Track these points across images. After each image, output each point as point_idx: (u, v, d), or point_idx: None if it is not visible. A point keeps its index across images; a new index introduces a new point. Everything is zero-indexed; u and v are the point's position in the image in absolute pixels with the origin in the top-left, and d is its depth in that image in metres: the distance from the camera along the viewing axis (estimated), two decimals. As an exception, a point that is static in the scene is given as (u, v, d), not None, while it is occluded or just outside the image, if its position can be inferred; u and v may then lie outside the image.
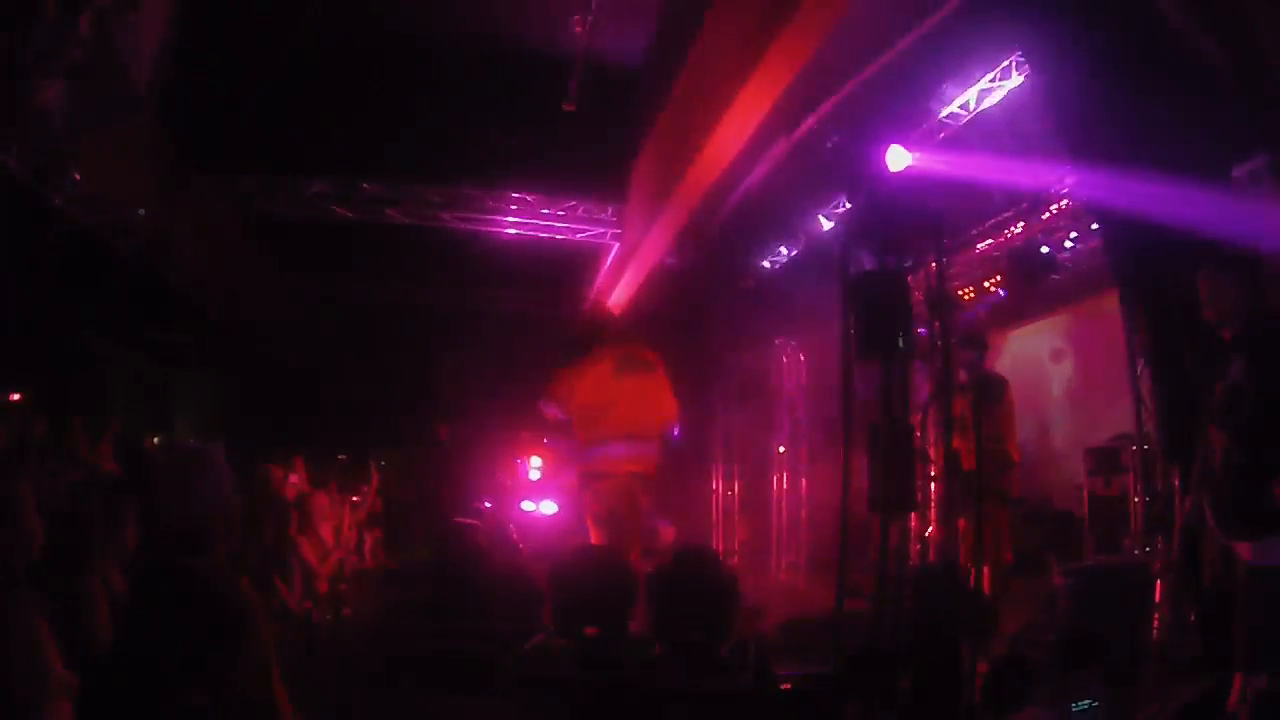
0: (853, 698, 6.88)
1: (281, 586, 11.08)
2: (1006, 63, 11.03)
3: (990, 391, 8.99)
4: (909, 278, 7.85)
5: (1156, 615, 10.15)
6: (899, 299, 7.19)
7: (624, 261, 15.62)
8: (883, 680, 6.94)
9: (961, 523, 8.46)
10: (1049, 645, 7.93)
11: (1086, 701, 7.28)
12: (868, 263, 7.37)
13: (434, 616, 10.66)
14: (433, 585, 12.08)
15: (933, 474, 7.49)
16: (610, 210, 15.75)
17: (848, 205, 7.61)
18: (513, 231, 16.20)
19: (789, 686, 6.98)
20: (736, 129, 10.22)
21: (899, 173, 7.26)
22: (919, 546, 8.87)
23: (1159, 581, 10.37)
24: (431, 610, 10.93)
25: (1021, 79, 10.60)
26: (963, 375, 9.10)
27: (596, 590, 8.08)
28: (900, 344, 7.10)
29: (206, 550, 5.31)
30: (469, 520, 13.37)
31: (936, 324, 7.50)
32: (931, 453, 8.19)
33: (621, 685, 7.43)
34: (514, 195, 15.84)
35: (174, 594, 3.33)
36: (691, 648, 7.56)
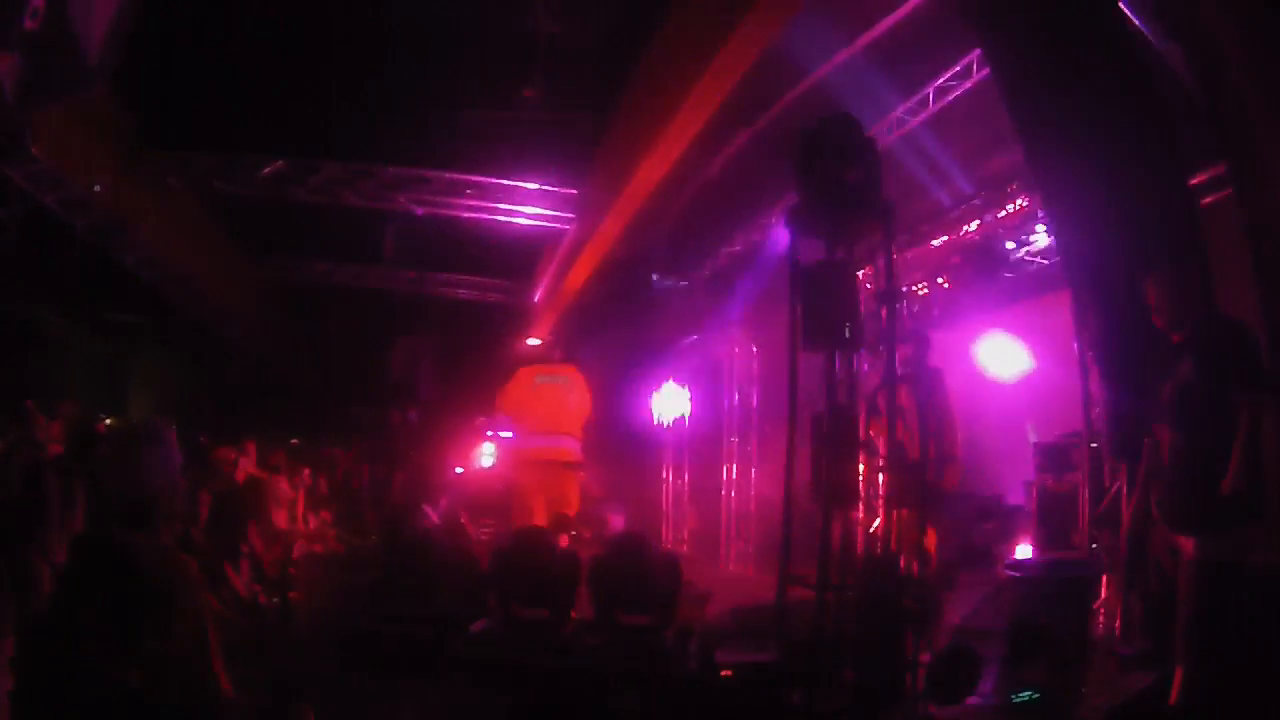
0: (796, 686, 6.90)
1: (229, 569, 10.99)
2: (968, 60, 11.13)
3: (927, 386, 9.01)
4: (860, 269, 7.90)
5: (1103, 609, 10.26)
6: (845, 290, 7.18)
7: (577, 248, 15.57)
8: (826, 669, 6.95)
9: (905, 514, 8.48)
10: (995, 637, 8.00)
11: (1028, 692, 7.36)
12: (816, 253, 7.34)
13: (381, 599, 10.61)
14: (381, 568, 12.02)
15: (880, 465, 7.47)
16: (567, 197, 15.67)
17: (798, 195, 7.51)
18: (469, 216, 16.07)
19: (730, 674, 6.99)
20: (692, 118, 10.21)
21: (851, 163, 7.21)
22: (863, 537, 8.85)
23: (1106, 576, 10.51)
24: (378, 593, 10.87)
25: (981, 76, 10.67)
26: (903, 369, 9.11)
27: (538, 574, 8.12)
28: (846, 335, 7.08)
29: (150, 526, 5.27)
30: (413, 505, 13.30)
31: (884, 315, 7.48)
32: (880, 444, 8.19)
33: (564, 670, 7.45)
34: (471, 179, 15.73)
35: (103, 569, 3.30)
36: (634, 633, 7.59)
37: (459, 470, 16.97)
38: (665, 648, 7.55)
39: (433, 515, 13.20)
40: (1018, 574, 9.14)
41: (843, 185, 7.13)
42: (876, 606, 7.08)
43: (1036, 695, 7.28)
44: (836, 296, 7.06)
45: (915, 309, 14.49)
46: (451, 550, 11.33)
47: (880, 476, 9.01)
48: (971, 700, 7.49)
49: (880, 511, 7.49)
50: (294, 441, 18.63)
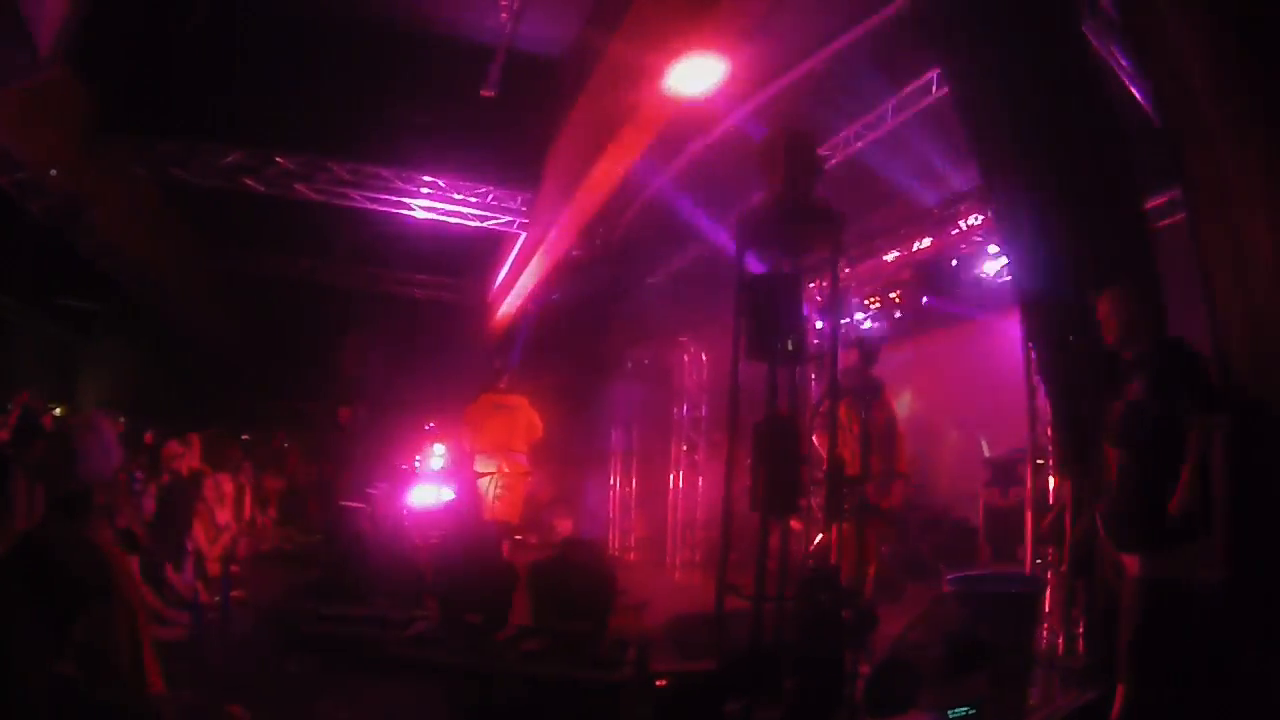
0: (733, 695, 6.88)
1: (170, 566, 10.87)
2: (928, 77, 11.15)
3: (868, 399, 9.02)
4: (810, 282, 7.89)
5: (1047, 625, 10.30)
6: (790, 302, 7.17)
7: (530, 251, 15.52)
8: (763, 679, 6.93)
9: (846, 528, 8.47)
10: (934, 650, 7.99)
11: (964, 708, 7.36)
12: (764, 264, 7.35)
13: (320, 599, 10.54)
14: (320, 568, 11.96)
15: (818, 478, 7.46)
16: (520, 199, 15.59)
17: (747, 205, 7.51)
18: (423, 215, 15.98)
19: (665, 683, 6.98)
20: (646, 126, 10.18)
21: (801, 176, 7.20)
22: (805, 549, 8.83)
23: (1051, 591, 10.55)
24: (318, 593, 10.80)
25: (940, 94, 10.68)
26: (845, 381, 9.10)
27: (476, 579, 8.13)
28: (789, 347, 7.07)
29: (86, 520, 5.20)
30: (356, 504, 13.22)
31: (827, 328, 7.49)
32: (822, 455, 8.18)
33: (499, 674, 7.45)
34: (425, 178, 15.63)
35: (32, 563, 3.26)
36: (571, 639, 7.60)
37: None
38: (601, 655, 7.59)
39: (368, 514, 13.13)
40: (959, 588, 9.15)
41: (792, 198, 7.14)
42: (815, 618, 7.07)
43: (973, 710, 7.28)
44: (781, 308, 7.06)
45: (865, 322, 14.50)
46: (390, 551, 11.30)
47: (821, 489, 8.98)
48: (912, 713, 7.50)
49: (821, 524, 7.45)
50: (245, 437, 18.46)
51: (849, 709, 7.23)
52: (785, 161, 7.22)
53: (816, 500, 8.00)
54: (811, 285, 12.57)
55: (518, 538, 13.91)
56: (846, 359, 8.48)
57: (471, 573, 7.98)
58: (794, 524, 7.56)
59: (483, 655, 7.50)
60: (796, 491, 7.10)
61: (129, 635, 3.56)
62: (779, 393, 7.12)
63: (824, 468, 7.37)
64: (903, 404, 13.37)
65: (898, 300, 13.99)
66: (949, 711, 7.21)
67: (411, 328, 21.48)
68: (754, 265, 7.41)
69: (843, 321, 13.59)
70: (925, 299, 13.45)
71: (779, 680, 6.93)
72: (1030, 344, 10.21)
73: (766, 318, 7.07)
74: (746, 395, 7.49)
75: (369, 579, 10.26)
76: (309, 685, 7.73)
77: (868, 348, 9.77)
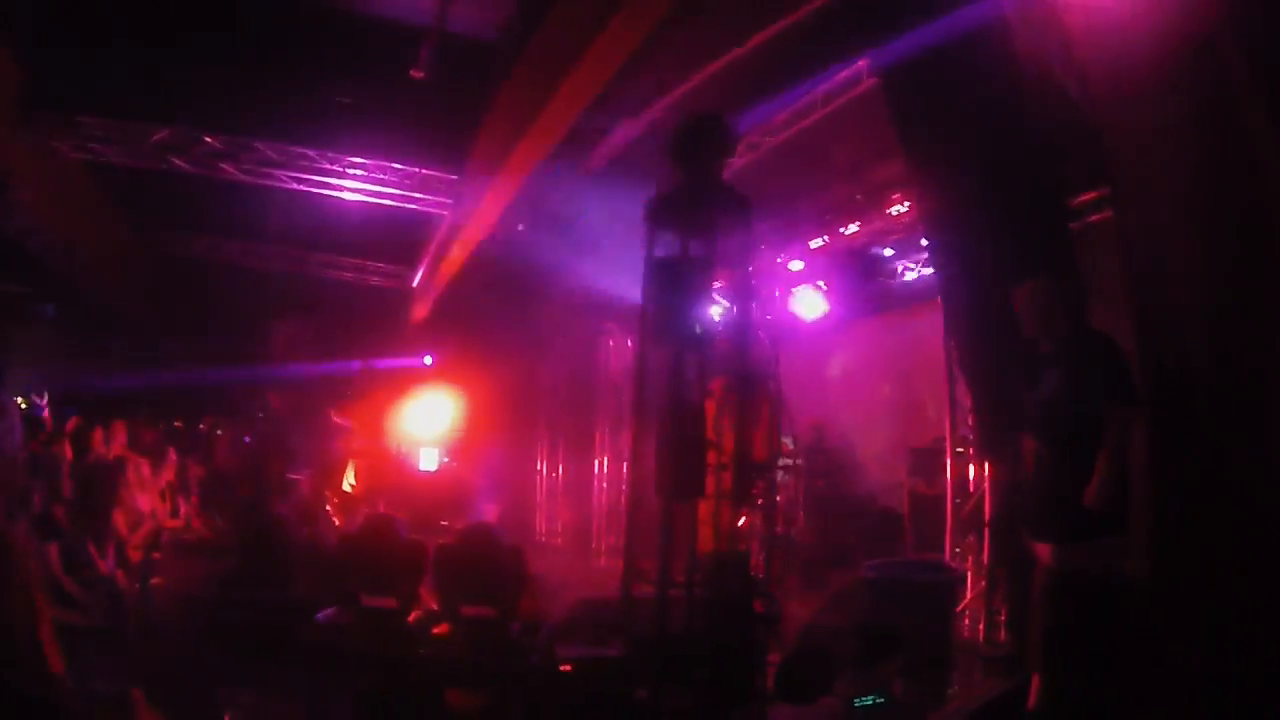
0: (640, 682, 6.83)
1: (93, 552, 10.73)
2: (859, 68, 11.14)
3: (749, 387, 8.97)
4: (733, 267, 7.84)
5: (968, 614, 10.35)
6: (698, 286, 7.11)
7: (454, 234, 15.43)
8: (670, 666, 6.88)
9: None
10: (845, 639, 7.99)
11: (870, 697, 7.37)
12: (675, 247, 7.28)
13: (234, 586, 10.43)
14: (237, 555, 11.84)
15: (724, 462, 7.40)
16: (447, 182, 15.49)
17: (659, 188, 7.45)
18: (351, 196, 15.83)
19: (570, 668, 6.93)
20: (567, 108, 10.14)
21: (714, 160, 7.16)
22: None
23: (971, 579, 10.60)
24: (232, 580, 10.68)
25: (871, 84, 10.68)
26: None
27: (383, 563, 8.03)
28: (696, 331, 7.02)
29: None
30: (275, 489, 13.12)
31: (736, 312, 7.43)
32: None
33: (406, 660, 7.37)
34: (352, 159, 15.48)
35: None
36: (478, 625, 7.52)
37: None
38: (509, 640, 7.51)
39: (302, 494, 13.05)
40: (874, 575, 9.15)
41: (704, 182, 7.09)
42: (724, 605, 7.04)
43: (880, 699, 7.29)
44: (689, 292, 7.00)
45: (779, 309, 14.51)
46: (305, 537, 11.18)
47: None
48: (824, 700, 7.49)
49: (727, 509, 7.39)
50: (177, 424, 18.26)
51: (760, 697, 7.23)
52: (696, 144, 7.18)
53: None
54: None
55: (444, 523, 13.85)
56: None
57: (377, 557, 7.89)
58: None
59: (389, 641, 7.40)
60: (701, 476, 7.05)
61: (24, 616, 3.47)
62: (685, 377, 7.06)
63: (727, 453, 7.28)
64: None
65: (825, 287, 13.97)
66: (855, 700, 7.21)
67: (341, 312, 21.27)
68: (663, 247, 7.34)
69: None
70: (853, 287, 13.42)
71: (687, 667, 6.88)
72: (950, 334, 10.26)
73: (674, 301, 7.01)
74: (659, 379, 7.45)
75: (282, 566, 10.12)
76: (219, 673, 7.62)
77: (765, 335, 9.73)
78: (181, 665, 7.73)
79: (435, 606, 8.08)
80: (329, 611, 8.30)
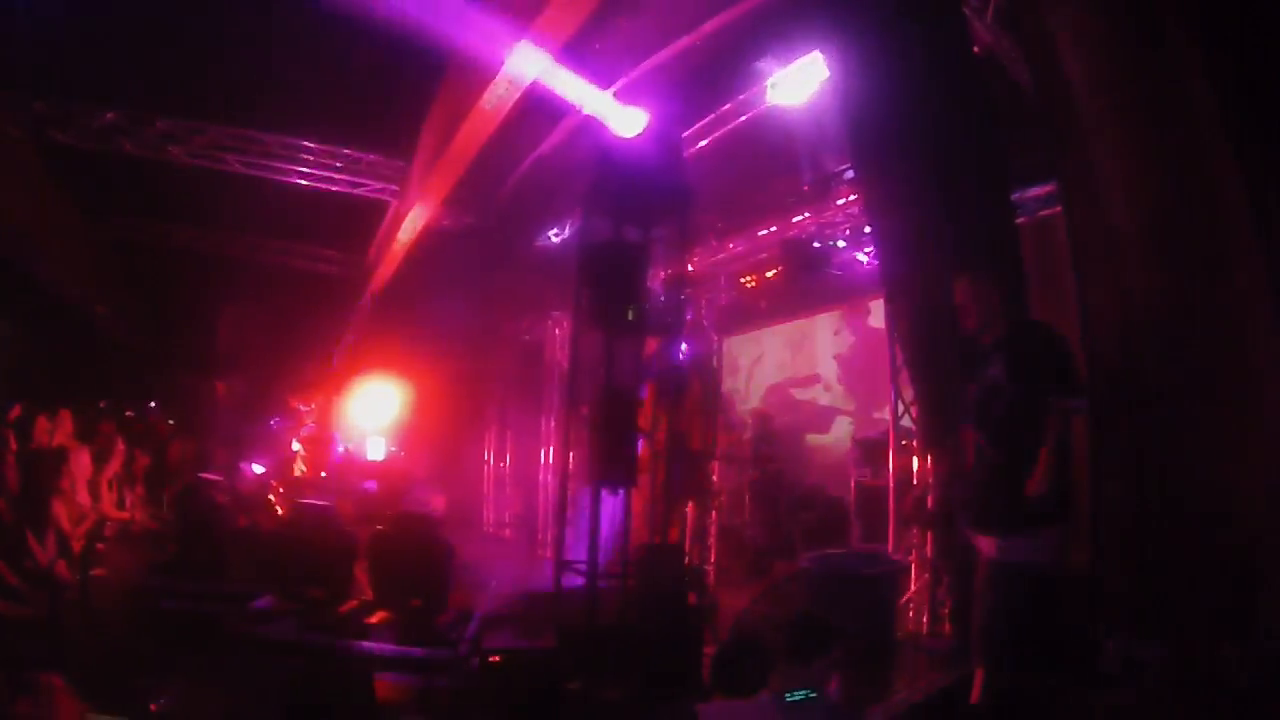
0: (570, 673, 6.79)
1: (33, 542, 10.62)
2: (811, 57, 11.10)
3: (676, 382, 8.96)
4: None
5: (912, 606, 10.33)
6: (633, 273, 7.06)
7: (401, 221, 15.36)
8: (602, 658, 6.84)
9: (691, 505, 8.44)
10: (781, 632, 7.93)
11: (803, 691, 7.29)
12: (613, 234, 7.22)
13: (173, 576, 10.33)
14: (174, 544, 11.73)
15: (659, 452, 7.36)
16: (396, 167, 15.40)
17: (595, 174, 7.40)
18: (303, 183, 15.70)
19: (498, 659, 6.88)
20: (503, 96, 10.08)
21: (649, 144, 7.10)
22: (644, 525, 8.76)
23: (916, 571, 10.59)
24: (172, 569, 10.57)
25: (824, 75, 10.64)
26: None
27: (316, 552, 7.99)
28: (629, 317, 6.96)
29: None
30: (214, 478, 12.98)
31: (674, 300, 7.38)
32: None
33: (336, 649, 7.31)
34: (302, 144, 15.35)
35: None
36: (411, 614, 7.47)
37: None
38: (438, 630, 7.46)
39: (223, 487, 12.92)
40: (813, 567, 9.11)
41: (639, 168, 7.04)
42: (656, 597, 7.00)
43: (813, 694, 7.21)
44: (622, 278, 6.95)
45: (724, 302, 14.51)
46: (244, 526, 11.10)
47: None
48: (762, 694, 7.43)
49: (661, 500, 7.35)
50: (129, 414, 18.05)
51: (695, 690, 7.17)
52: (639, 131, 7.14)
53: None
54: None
55: (390, 514, 13.79)
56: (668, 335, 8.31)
57: (309, 546, 7.85)
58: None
59: (321, 630, 7.34)
60: (632, 466, 7.01)
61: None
62: (619, 365, 7.01)
63: (661, 443, 7.25)
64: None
65: (773, 278, 13.91)
66: (786, 695, 7.14)
67: (291, 300, 21.11)
68: (599, 234, 7.29)
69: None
70: (799, 278, 13.36)
71: (618, 659, 6.84)
72: (894, 326, 10.26)
73: (607, 287, 6.96)
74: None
75: (218, 556, 10.04)
76: (149, 660, 7.57)
77: (696, 322, 9.70)
78: (114, 654, 7.67)
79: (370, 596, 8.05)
80: (263, 600, 8.26)
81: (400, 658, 7.08)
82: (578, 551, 7.48)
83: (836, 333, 14.60)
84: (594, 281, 7.02)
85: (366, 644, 7.24)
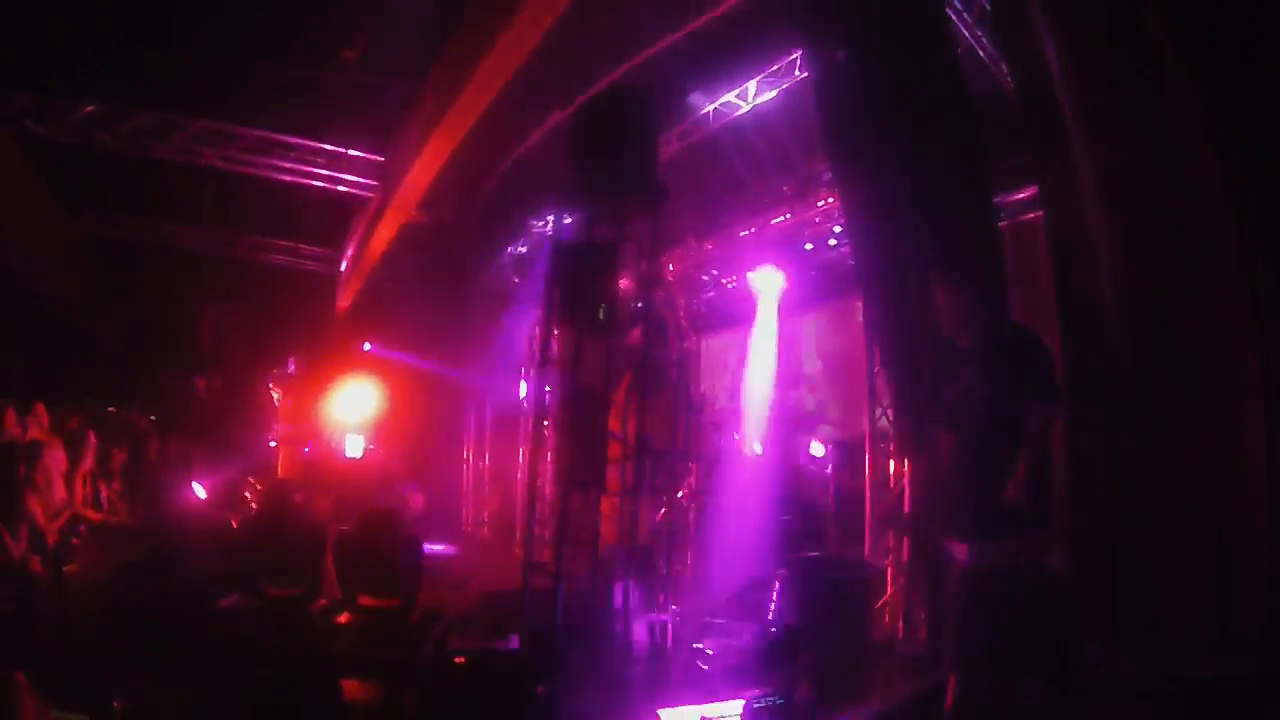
0: (535, 675, 6.72)
1: (6, 536, 10.53)
2: (792, 57, 11.07)
3: (646, 381, 8.89)
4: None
5: (888, 611, 10.29)
6: (604, 271, 6.99)
7: (377, 217, 15.32)
8: (568, 660, 6.77)
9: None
10: (752, 636, 7.88)
11: (768, 697, 7.24)
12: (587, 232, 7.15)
13: (145, 572, 10.27)
14: (148, 542, 11.67)
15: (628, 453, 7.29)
16: (376, 163, 15.35)
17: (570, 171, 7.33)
18: (279, 177, 15.64)
19: (463, 660, 6.83)
20: (481, 93, 10.05)
21: (626, 144, 7.04)
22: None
23: (892, 576, 10.54)
24: (143, 565, 10.51)
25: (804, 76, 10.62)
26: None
27: (284, 549, 7.95)
28: (600, 316, 6.90)
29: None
30: (182, 475, 12.92)
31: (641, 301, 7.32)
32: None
33: (301, 649, 7.26)
34: (280, 139, 15.29)
35: None
36: (377, 614, 7.43)
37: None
38: (404, 630, 7.42)
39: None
40: (786, 571, 9.04)
41: (614, 165, 6.97)
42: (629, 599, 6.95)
43: (779, 700, 7.17)
44: (594, 277, 6.88)
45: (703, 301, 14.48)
46: (216, 523, 11.05)
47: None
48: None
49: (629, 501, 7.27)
50: (112, 410, 17.94)
51: (665, 692, 7.11)
52: (605, 125, 7.07)
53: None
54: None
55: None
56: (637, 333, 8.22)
57: (277, 543, 7.81)
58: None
59: (288, 629, 7.29)
60: (601, 466, 6.94)
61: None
62: (588, 365, 6.95)
63: (630, 443, 7.17)
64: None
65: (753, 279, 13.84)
66: (753, 700, 7.09)
67: (272, 296, 21.02)
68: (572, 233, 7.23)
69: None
70: (778, 279, 13.28)
71: (582, 660, 6.77)
72: (871, 328, 10.20)
73: (579, 285, 6.90)
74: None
75: (192, 551, 10.00)
76: (123, 658, 7.53)
77: (665, 321, 9.63)
78: (84, 650, 7.62)
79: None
80: (231, 598, 8.21)
81: (366, 658, 7.05)
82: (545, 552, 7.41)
83: (821, 333, 14.49)
84: (564, 280, 6.95)
85: (333, 644, 7.21)
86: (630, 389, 7.38)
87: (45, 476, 11.75)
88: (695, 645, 7.81)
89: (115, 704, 6.53)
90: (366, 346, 17.32)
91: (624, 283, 7.42)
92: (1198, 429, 5.49)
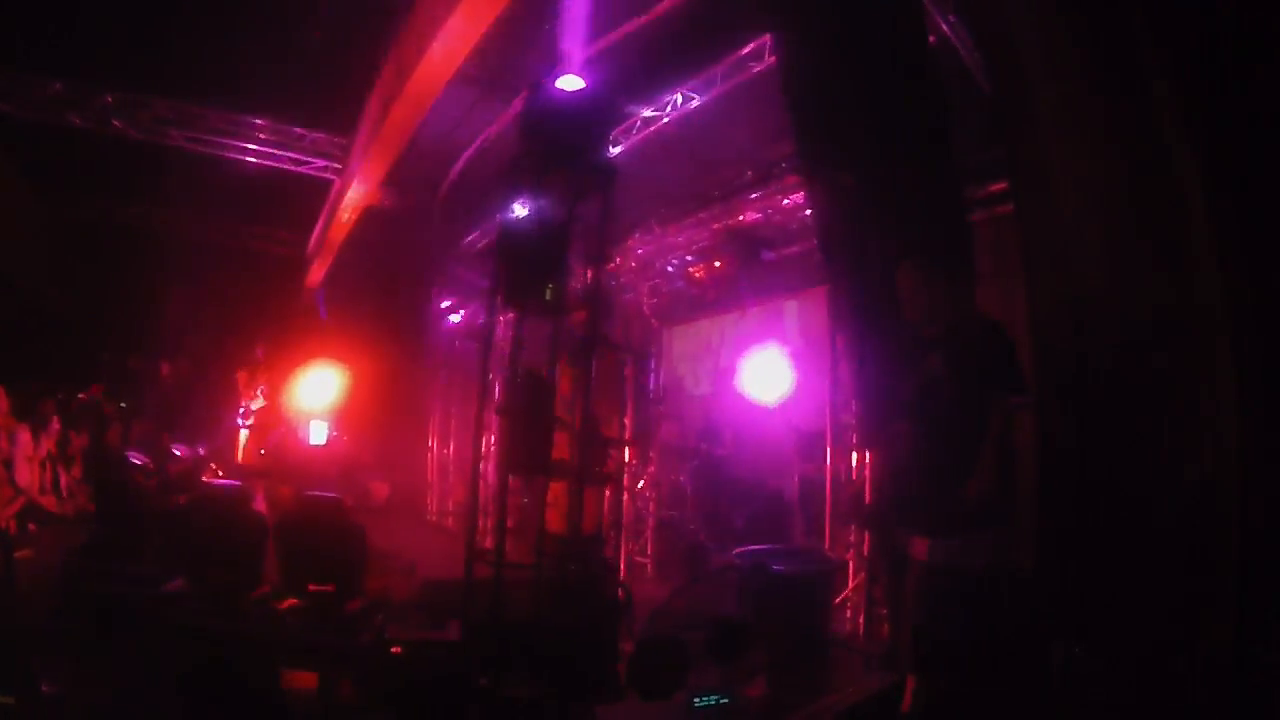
0: (476, 667, 6.58)
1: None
2: (760, 44, 10.97)
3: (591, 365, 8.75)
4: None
5: (849, 606, 10.19)
6: (551, 250, 6.83)
7: (339, 200, 15.20)
8: (507, 652, 6.63)
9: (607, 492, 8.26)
10: (700, 631, 7.73)
11: (713, 696, 7.11)
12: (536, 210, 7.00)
13: (95, 557, 10.15)
14: (98, 526, 11.58)
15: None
16: (340, 145, 15.23)
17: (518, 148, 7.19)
18: (241, 157, 15.53)
19: (400, 650, 6.70)
20: (436, 73, 9.93)
21: (573, 121, 6.91)
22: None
23: (853, 570, 10.44)
24: (92, 550, 10.39)
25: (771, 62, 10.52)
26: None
27: (224, 535, 7.81)
28: (546, 296, 6.75)
29: None
30: (136, 459, 12.78)
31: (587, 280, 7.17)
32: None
33: (238, 635, 7.12)
34: (246, 119, 15.22)
35: None
36: (320, 601, 7.29)
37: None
38: (343, 618, 7.29)
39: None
40: (741, 563, 8.88)
41: (560, 143, 6.84)
42: (569, 590, 6.80)
43: (724, 699, 7.03)
44: (540, 255, 6.73)
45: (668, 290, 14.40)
46: (166, 509, 10.91)
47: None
48: (680, 694, 7.24)
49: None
50: (82, 396, 17.81)
51: (612, 688, 6.98)
52: (557, 105, 6.94)
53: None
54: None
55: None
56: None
57: (217, 529, 7.68)
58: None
59: (226, 616, 7.15)
60: (545, 452, 6.79)
61: None
62: (532, 346, 6.82)
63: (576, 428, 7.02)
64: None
65: (719, 267, 13.76)
66: (696, 699, 6.96)
67: (239, 280, 20.91)
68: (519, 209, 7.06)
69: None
70: (747, 267, 13.21)
71: (527, 654, 6.62)
72: (836, 319, 10.11)
73: (525, 264, 6.75)
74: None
75: (140, 536, 9.87)
76: (58, 643, 7.40)
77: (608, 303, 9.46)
78: (16, 635, 7.51)
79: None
80: (174, 583, 8.07)
81: (303, 646, 6.92)
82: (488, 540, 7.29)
83: (787, 323, 14.39)
84: (510, 258, 6.80)
85: (270, 631, 7.08)
86: (575, 374, 7.22)
87: (8, 460, 11.66)
88: (644, 638, 7.64)
89: (43, 688, 6.42)
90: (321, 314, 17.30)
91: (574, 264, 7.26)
92: (1169, 429, 5.37)
